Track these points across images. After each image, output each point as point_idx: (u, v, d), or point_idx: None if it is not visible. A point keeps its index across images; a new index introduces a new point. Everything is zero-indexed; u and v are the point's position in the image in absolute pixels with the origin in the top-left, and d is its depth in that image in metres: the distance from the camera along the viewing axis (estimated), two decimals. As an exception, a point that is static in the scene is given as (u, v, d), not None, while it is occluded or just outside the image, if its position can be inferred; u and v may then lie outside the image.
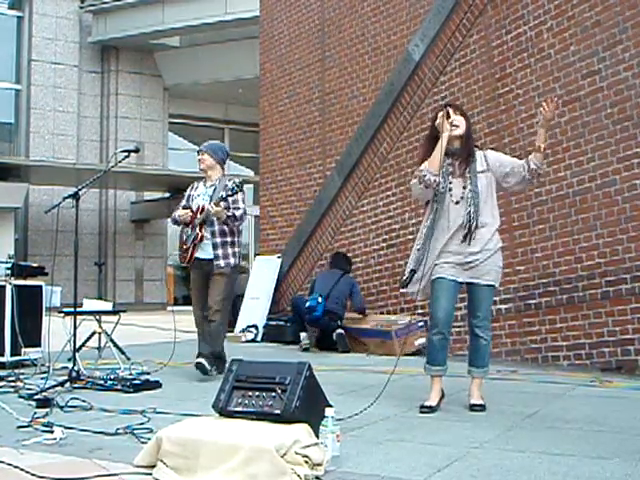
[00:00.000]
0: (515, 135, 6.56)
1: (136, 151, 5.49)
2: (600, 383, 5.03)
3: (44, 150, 19.39)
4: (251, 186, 21.14)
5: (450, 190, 3.97)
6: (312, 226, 9.07)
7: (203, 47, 20.50)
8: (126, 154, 5.40)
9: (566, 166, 6.10)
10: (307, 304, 7.51)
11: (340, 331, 7.44)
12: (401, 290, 4.43)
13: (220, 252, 5.46)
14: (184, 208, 5.62)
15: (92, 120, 20.73)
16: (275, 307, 9.28)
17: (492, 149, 4.51)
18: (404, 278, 4.09)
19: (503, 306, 6.51)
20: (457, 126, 3.96)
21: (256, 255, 13.90)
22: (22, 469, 2.66)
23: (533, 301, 6.27)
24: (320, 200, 8.98)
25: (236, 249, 5.58)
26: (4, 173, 17.12)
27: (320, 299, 7.48)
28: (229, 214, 5.39)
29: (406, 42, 7.86)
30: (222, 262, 5.44)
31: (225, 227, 5.47)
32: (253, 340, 8.81)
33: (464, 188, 3.95)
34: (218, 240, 5.47)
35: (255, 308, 9.20)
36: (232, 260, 5.50)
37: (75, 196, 5.12)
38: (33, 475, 2.60)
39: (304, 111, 9.43)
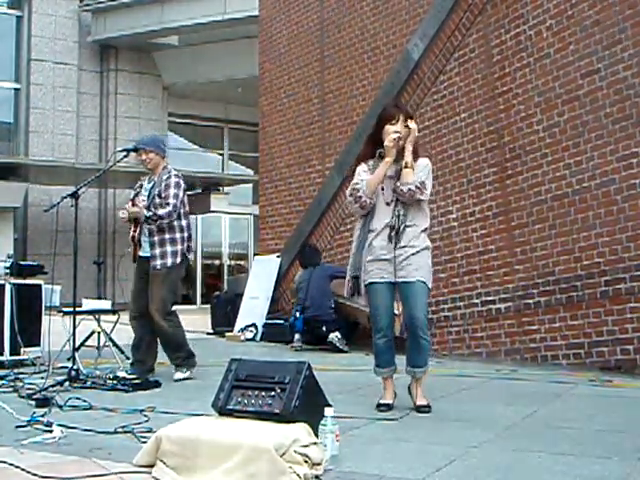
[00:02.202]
0: (514, 134, 6.56)
1: (135, 150, 5.48)
2: (599, 382, 5.04)
3: (43, 149, 19.37)
4: (250, 186, 21.17)
5: (382, 190, 3.96)
6: (311, 226, 9.06)
7: (202, 46, 20.48)
8: (125, 153, 5.40)
9: (565, 165, 6.10)
10: (290, 321, 7.77)
11: (332, 336, 7.38)
12: (349, 301, 4.40)
13: (157, 251, 5.29)
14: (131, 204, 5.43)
15: (91, 119, 20.72)
16: (274, 306, 9.28)
17: (427, 156, 4.35)
18: (349, 287, 4.05)
19: (502, 305, 6.52)
20: (399, 135, 3.89)
21: (255, 255, 13.91)
22: (22, 469, 2.65)
23: (532, 300, 6.27)
24: (319, 200, 8.98)
25: (178, 247, 5.33)
26: (3, 172, 17.10)
27: (298, 314, 7.64)
28: (148, 214, 5.18)
29: (405, 41, 7.86)
30: (158, 263, 5.27)
31: (163, 224, 5.27)
32: (252, 339, 8.82)
33: (394, 191, 3.94)
34: (155, 238, 5.29)
35: (254, 307, 9.20)
36: (169, 260, 5.29)
37: (74, 195, 5.12)
38: (33, 475, 2.60)
39: (303, 110, 9.43)
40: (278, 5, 10.06)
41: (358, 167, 4.06)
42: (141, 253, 5.38)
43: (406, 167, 3.88)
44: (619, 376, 5.33)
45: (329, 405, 2.92)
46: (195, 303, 20.12)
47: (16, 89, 20.12)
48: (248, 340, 8.78)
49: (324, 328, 7.52)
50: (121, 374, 5.17)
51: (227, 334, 9.11)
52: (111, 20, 20.10)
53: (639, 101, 5.62)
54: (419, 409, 3.92)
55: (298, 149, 9.46)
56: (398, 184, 3.90)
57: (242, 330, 8.99)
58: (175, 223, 5.33)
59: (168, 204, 5.23)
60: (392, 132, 3.93)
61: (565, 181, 6.10)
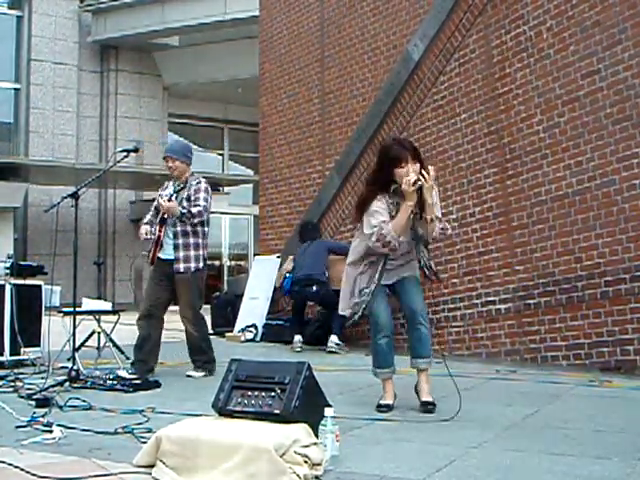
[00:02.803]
0: (514, 135, 6.56)
1: (135, 151, 5.50)
2: (599, 383, 5.04)
3: (43, 150, 19.39)
4: (250, 186, 21.18)
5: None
6: (311, 226, 9.06)
7: (203, 47, 20.49)
8: (125, 154, 5.40)
9: (565, 166, 6.10)
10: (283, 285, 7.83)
11: (331, 344, 7.36)
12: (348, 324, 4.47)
13: (181, 255, 5.35)
14: (156, 209, 5.56)
15: (91, 120, 20.73)
16: (274, 307, 9.27)
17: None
18: (356, 317, 4.07)
19: (502, 306, 6.52)
20: (418, 179, 3.81)
21: (255, 255, 13.91)
22: (22, 469, 2.65)
23: (532, 301, 6.27)
24: (319, 200, 8.97)
25: (201, 251, 5.43)
26: (3, 173, 17.11)
27: (288, 274, 7.75)
28: (183, 211, 5.28)
29: (405, 42, 7.86)
30: (182, 266, 5.34)
31: (188, 228, 5.36)
32: (252, 340, 8.81)
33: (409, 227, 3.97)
34: (180, 241, 5.37)
35: (254, 308, 9.19)
36: (193, 264, 5.37)
37: (74, 196, 5.12)
38: (33, 475, 2.60)
39: (303, 111, 9.43)
40: (278, 5, 10.06)
41: (374, 204, 3.92)
42: (161, 255, 5.40)
43: (432, 222, 3.90)
44: (619, 377, 5.33)
45: (329, 405, 2.92)
46: (195, 303, 20.10)
47: (16, 89, 20.13)
48: (248, 341, 8.78)
49: (314, 287, 7.55)
50: (122, 373, 5.19)
51: (227, 334, 9.10)
52: (111, 20, 20.11)
53: (639, 102, 5.62)
54: (423, 405, 3.94)
55: (299, 149, 9.46)
56: (432, 235, 3.96)
57: (242, 330, 8.98)
58: (199, 229, 5.42)
59: (198, 205, 5.34)
60: (407, 175, 3.82)
61: (565, 181, 6.10)
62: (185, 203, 5.32)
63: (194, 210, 5.31)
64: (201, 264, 5.42)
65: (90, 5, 20.18)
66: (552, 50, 6.29)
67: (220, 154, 23.42)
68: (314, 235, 8.15)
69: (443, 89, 7.34)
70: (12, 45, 20.16)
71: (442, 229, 3.98)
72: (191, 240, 5.38)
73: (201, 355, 5.50)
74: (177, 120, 22.44)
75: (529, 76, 6.47)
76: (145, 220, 5.60)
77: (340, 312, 4.27)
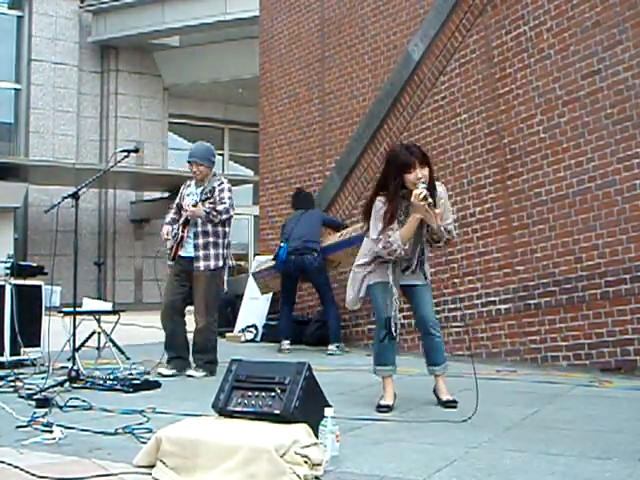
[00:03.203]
0: (515, 135, 6.56)
1: (135, 151, 5.51)
2: (599, 383, 5.04)
3: (44, 150, 19.40)
4: (251, 186, 21.17)
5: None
6: (312, 226, 9.05)
7: (203, 47, 20.50)
8: (126, 154, 5.41)
9: (566, 166, 6.10)
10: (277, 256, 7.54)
11: (332, 348, 7.33)
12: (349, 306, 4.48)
13: (201, 253, 5.48)
14: (178, 207, 5.71)
15: (92, 120, 20.74)
16: (274, 307, 9.27)
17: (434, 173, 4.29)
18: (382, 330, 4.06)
19: (503, 306, 6.52)
20: (428, 193, 3.82)
21: (256, 255, 13.91)
22: (22, 469, 2.65)
23: (533, 301, 6.27)
24: (319, 200, 8.97)
25: (220, 251, 5.55)
26: (4, 173, 17.11)
27: (282, 243, 7.52)
28: (208, 210, 5.38)
29: (406, 42, 7.86)
30: (201, 265, 5.47)
31: (209, 227, 5.48)
32: (252, 340, 8.81)
33: (420, 228, 3.98)
34: (200, 241, 5.49)
35: (254, 308, 9.20)
36: (212, 262, 5.49)
37: (75, 196, 5.12)
38: (33, 475, 2.60)
39: (304, 111, 9.43)
40: (279, 6, 10.06)
41: (382, 209, 3.95)
42: (182, 253, 5.53)
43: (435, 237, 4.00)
44: (619, 377, 5.33)
45: (329, 405, 2.92)
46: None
47: (16, 89, 20.15)
48: (248, 341, 8.78)
49: (311, 256, 7.44)
50: (162, 370, 5.38)
51: (227, 335, 9.10)
52: (111, 20, 20.11)
53: None
54: (446, 404, 4.03)
55: (299, 149, 9.46)
56: (439, 241, 4.02)
57: (242, 331, 8.99)
58: (219, 229, 5.54)
59: (224, 203, 5.46)
60: (416, 181, 3.84)
61: (565, 182, 6.10)
62: (207, 204, 5.42)
63: (219, 207, 5.44)
64: (220, 263, 5.55)
65: (90, 5, 20.19)
66: (552, 50, 6.29)
67: (220, 154, 23.43)
68: (308, 203, 7.99)
69: (443, 89, 7.34)
70: (12, 45, 20.18)
71: (447, 240, 4.06)
72: (211, 239, 5.51)
73: (204, 354, 5.52)
74: (177, 120, 22.45)
75: (529, 76, 6.47)
76: (167, 220, 5.73)
77: (347, 305, 4.34)
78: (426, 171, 3.90)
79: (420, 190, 3.80)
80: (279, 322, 7.87)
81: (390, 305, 3.98)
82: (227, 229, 5.64)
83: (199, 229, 5.48)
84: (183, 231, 5.49)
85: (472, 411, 3.88)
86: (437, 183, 4.08)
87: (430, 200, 3.81)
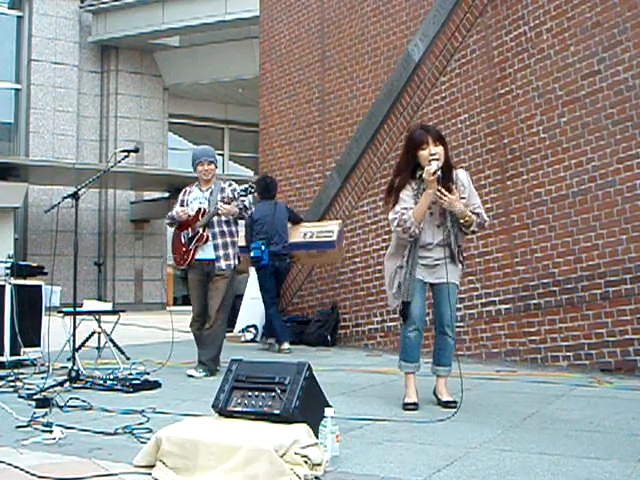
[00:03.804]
0: (515, 135, 6.56)
1: (135, 151, 5.51)
2: (599, 383, 5.04)
3: (44, 150, 19.40)
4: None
5: (431, 215, 4.03)
6: (312, 226, 9.06)
7: (203, 47, 20.50)
8: (125, 154, 5.41)
9: (566, 167, 6.10)
10: (252, 254, 7.51)
11: (286, 349, 7.44)
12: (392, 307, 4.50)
13: (221, 253, 5.59)
14: (177, 214, 5.72)
15: (92, 120, 20.74)
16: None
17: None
18: (399, 310, 4.10)
19: (503, 306, 6.52)
20: (439, 168, 3.89)
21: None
22: (22, 469, 2.66)
23: (533, 301, 6.27)
24: (320, 200, 8.97)
25: (236, 250, 5.72)
26: (4, 173, 17.12)
27: (263, 247, 7.50)
28: (240, 206, 5.56)
29: (406, 42, 7.86)
30: (223, 264, 5.57)
31: (225, 227, 5.60)
32: (252, 340, 8.81)
33: (441, 214, 4.03)
34: (219, 241, 5.60)
35: (255, 308, 9.18)
36: (232, 262, 5.64)
37: (75, 196, 5.13)
38: (33, 475, 2.60)
39: (304, 111, 9.43)
40: (279, 6, 10.06)
41: (401, 194, 4.05)
42: (202, 256, 5.59)
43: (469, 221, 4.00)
44: (619, 377, 5.33)
45: (329, 406, 2.92)
46: (195, 304, 20.11)
47: (16, 89, 20.15)
48: (248, 341, 8.78)
49: (287, 261, 7.69)
50: (191, 372, 5.41)
51: (227, 335, 9.09)
52: (111, 20, 20.11)
53: (639, 102, 5.62)
54: (446, 404, 4.04)
55: (299, 149, 9.46)
56: (470, 225, 4.03)
57: (242, 331, 8.98)
58: (233, 228, 5.68)
59: (244, 200, 5.61)
60: (429, 160, 3.92)
61: (565, 182, 6.10)
62: (219, 205, 5.50)
63: (246, 203, 5.60)
64: (236, 261, 5.69)
65: (90, 5, 20.19)
66: (552, 50, 6.29)
67: (220, 154, 23.42)
68: (275, 192, 7.96)
69: (443, 89, 7.34)
70: (12, 45, 20.18)
71: (479, 223, 4.08)
72: (228, 239, 5.63)
73: (209, 350, 5.54)
74: (177, 120, 22.45)
75: (529, 76, 6.47)
76: (172, 212, 5.71)
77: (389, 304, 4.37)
78: (440, 149, 3.97)
79: (431, 165, 3.88)
80: (274, 326, 7.76)
81: (411, 291, 4.00)
82: (239, 228, 5.81)
83: (216, 230, 5.58)
84: (204, 231, 5.56)
85: (472, 411, 3.89)
86: (460, 170, 4.19)
87: (440, 174, 3.86)
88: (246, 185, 5.64)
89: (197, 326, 5.65)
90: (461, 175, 4.12)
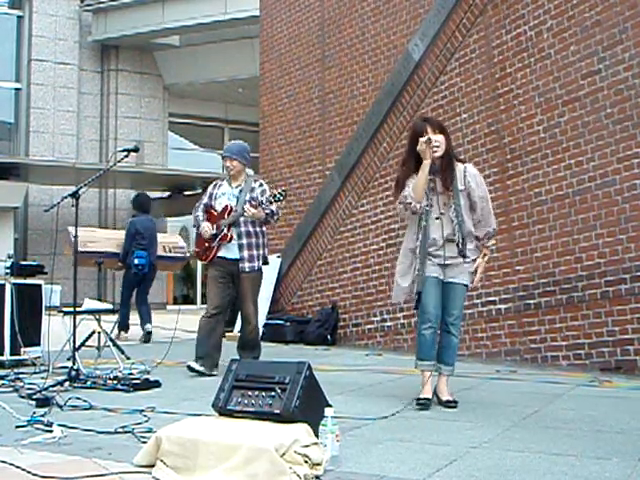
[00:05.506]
0: (515, 135, 6.56)
1: (136, 150, 5.50)
2: (599, 383, 5.04)
3: (44, 149, 19.38)
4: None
5: (431, 207, 4.10)
6: (311, 226, 9.06)
7: (203, 46, 20.48)
8: (126, 153, 5.40)
9: (566, 166, 6.10)
10: (136, 262, 8.40)
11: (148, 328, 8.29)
12: (393, 301, 4.56)
13: (246, 254, 5.54)
14: (206, 207, 5.70)
15: (92, 119, 20.72)
16: (275, 307, 9.27)
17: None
18: (414, 300, 4.14)
19: (503, 306, 6.52)
20: (438, 147, 4.02)
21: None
22: (22, 468, 2.65)
23: (533, 301, 6.27)
24: (319, 200, 8.97)
25: (261, 251, 5.65)
26: (4, 172, 17.09)
27: (145, 255, 8.48)
28: (267, 211, 5.48)
29: (406, 42, 7.86)
30: (247, 266, 5.53)
31: (250, 228, 5.54)
32: (253, 340, 8.80)
33: (445, 205, 4.10)
34: (244, 242, 5.55)
35: (254, 308, 9.19)
36: (257, 263, 5.59)
37: (75, 195, 5.12)
38: (33, 475, 2.60)
39: (304, 111, 9.43)
40: (279, 5, 10.06)
41: (406, 182, 4.15)
42: (226, 255, 5.57)
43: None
44: (619, 377, 5.33)
45: (329, 405, 2.92)
46: (195, 303, 20.13)
47: (17, 89, 20.13)
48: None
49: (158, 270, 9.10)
50: (192, 364, 5.40)
51: (227, 334, 9.08)
52: (112, 20, 20.10)
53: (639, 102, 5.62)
54: (446, 404, 4.05)
55: (299, 149, 9.46)
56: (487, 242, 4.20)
57: (242, 330, 8.98)
58: (258, 229, 5.62)
59: (272, 204, 5.52)
60: (423, 141, 4.02)
61: (565, 182, 6.10)
62: (248, 205, 5.44)
63: (273, 208, 5.53)
64: (262, 263, 5.66)
65: (90, 5, 20.17)
66: (552, 50, 6.29)
67: (220, 154, 23.44)
68: (147, 207, 8.90)
69: (443, 89, 7.34)
70: (13, 45, 20.16)
71: (490, 237, 4.23)
72: (253, 240, 5.58)
73: (254, 351, 5.65)
74: (177, 120, 22.42)
75: (529, 76, 6.47)
76: (200, 217, 5.67)
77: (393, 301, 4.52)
78: (441, 137, 4.06)
79: (425, 137, 3.98)
80: (122, 316, 8.25)
81: (421, 283, 4.04)
82: (265, 228, 5.73)
83: (242, 229, 5.52)
84: (229, 231, 5.53)
85: (472, 411, 3.89)
86: (469, 164, 4.28)
87: (434, 143, 3.96)
88: (279, 190, 5.50)
89: (207, 321, 5.57)
90: (470, 169, 4.18)
